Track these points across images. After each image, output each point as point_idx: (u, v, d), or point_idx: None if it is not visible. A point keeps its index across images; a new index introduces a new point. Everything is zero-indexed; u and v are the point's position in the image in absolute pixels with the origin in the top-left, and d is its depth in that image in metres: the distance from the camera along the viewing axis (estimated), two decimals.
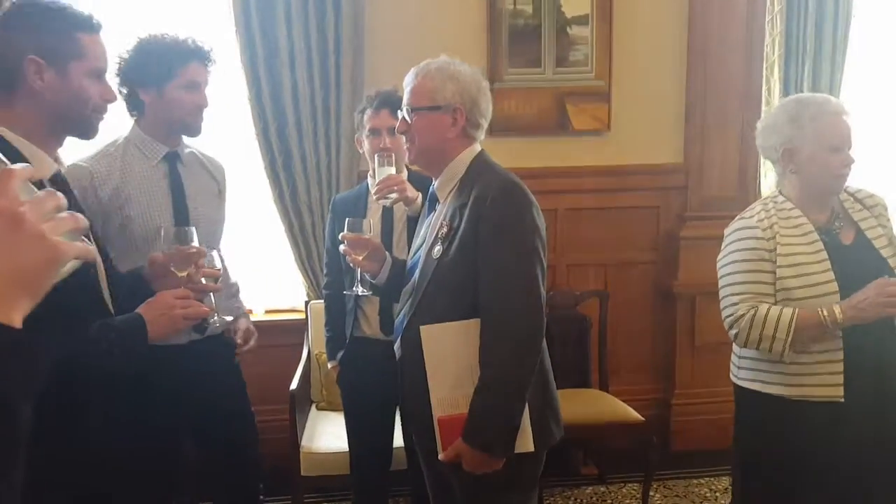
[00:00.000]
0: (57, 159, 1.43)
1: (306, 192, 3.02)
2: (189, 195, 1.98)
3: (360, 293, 1.94)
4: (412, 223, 2.00)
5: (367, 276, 1.86)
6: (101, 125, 1.47)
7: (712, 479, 3.04)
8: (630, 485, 3.01)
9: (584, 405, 2.81)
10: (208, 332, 1.93)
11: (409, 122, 1.63)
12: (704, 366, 3.26)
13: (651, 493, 2.82)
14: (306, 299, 3.10)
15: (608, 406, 2.84)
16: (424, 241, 1.69)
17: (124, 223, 1.88)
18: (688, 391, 3.32)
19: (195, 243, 1.57)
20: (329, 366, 2.46)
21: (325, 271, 2.45)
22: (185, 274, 1.54)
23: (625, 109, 3.23)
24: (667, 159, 3.31)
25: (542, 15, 3.12)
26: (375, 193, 2.05)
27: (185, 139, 2.02)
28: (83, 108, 1.40)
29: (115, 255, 1.74)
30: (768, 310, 1.70)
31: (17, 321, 0.62)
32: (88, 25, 1.40)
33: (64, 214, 0.66)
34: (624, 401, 2.86)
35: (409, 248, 1.92)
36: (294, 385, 2.57)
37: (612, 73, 3.20)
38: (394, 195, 2.03)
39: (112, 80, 1.89)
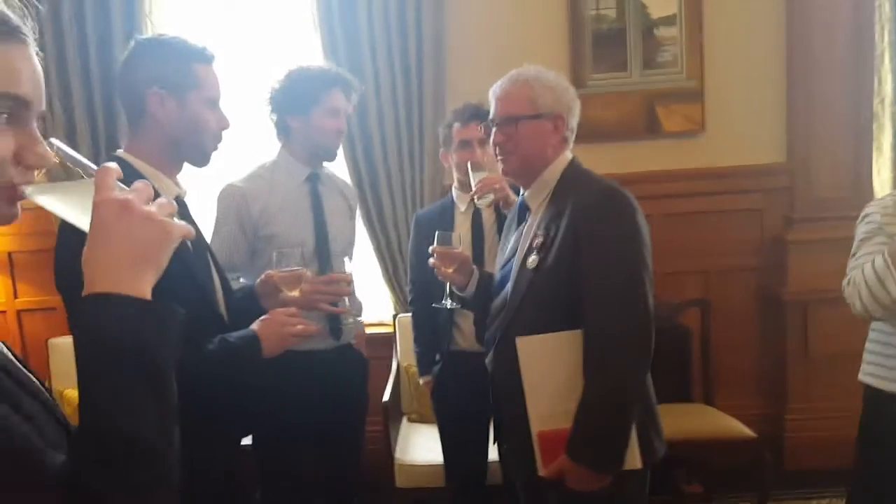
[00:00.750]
0: (178, 184, 1.52)
1: (392, 209, 3.06)
2: (327, 213, 2.09)
3: (449, 306, 1.93)
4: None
5: (455, 290, 1.84)
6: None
7: (833, 499, 2.79)
8: None
9: (689, 420, 2.65)
10: (343, 336, 2.08)
11: (507, 132, 1.59)
12: (820, 379, 3.01)
13: None
14: (394, 313, 3.13)
15: (715, 421, 2.67)
16: (517, 252, 1.64)
17: (270, 238, 2.01)
18: (803, 406, 3.08)
19: (300, 264, 1.63)
20: (421, 381, 2.46)
21: (409, 287, 2.46)
22: (294, 293, 1.61)
23: (720, 108, 3.08)
24: (769, 159, 3.11)
25: (627, 18, 3.04)
26: (475, 193, 2.07)
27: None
28: (201, 135, 1.48)
29: (261, 267, 1.89)
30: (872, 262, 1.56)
31: (147, 293, 0.69)
32: (203, 57, 1.49)
33: (164, 200, 0.73)
34: (731, 416, 2.68)
35: None
36: (386, 397, 2.58)
37: (704, 72, 3.06)
38: (491, 196, 2.04)
39: (264, 107, 2.08)
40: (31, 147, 0.69)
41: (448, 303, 1.90)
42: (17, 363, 0.74)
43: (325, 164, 2.17)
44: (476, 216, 2.26)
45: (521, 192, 1.69)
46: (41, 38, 2.83)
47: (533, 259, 1.55)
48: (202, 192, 2.42)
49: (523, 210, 1.68)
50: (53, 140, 0.71)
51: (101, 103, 3.04)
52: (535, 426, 1.52)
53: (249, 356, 1.45)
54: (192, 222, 1.52)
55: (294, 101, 2.02)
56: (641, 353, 1.48)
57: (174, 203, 0.75)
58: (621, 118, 3.08)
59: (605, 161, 2.91)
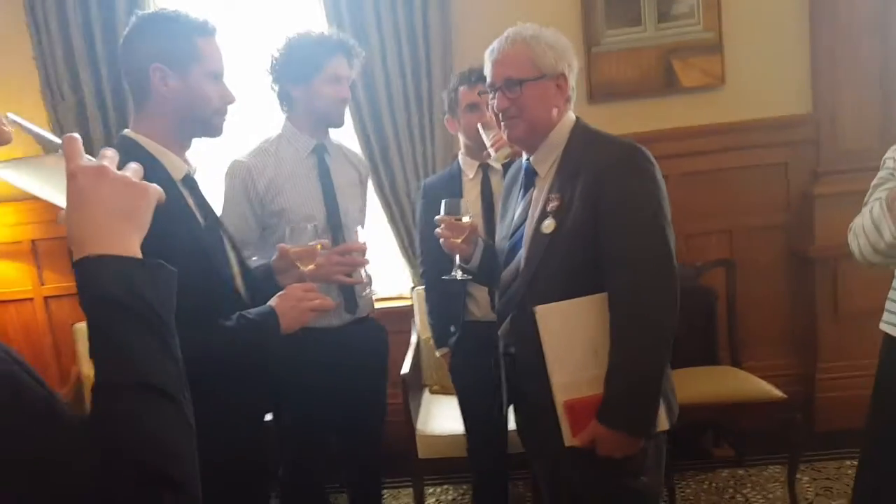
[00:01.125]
0: (186, 161, 1.50)
1: (404, 179, 3.02)
2: (336, 184, 2.06)
3: (459, 278, 1.85)
4: None
5: (461, 261, 1.77)
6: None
7: None
8: (772, 467, 2.76)
9: (716, 383, 2.59)
10: (360, 309, 2.06)
11: (510, 97, 1.51)
12: (851, 336, 2.92)
13: (797, 476, 2.56)
14: (411, 285, 3.10)
15: (744, 383, 2.60)
16: (527, 219, 1.58)
17: (280, 213, 1.99)
18: (833, 364, 3.00)
19: (313, 239, 1.61)
20: (438, 353, 2.43)
21: (420, 259, 2.41)
22: (309, 267, 1.59)
23: (740, 61, 2.96)
24: (793, 111, 2.99)
25: None
26: (492, 146, 1.96)
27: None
28: (205, 109, 1.45)
29: (273, 242, 1.88)
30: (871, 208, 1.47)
31: (137, 252, 0.71)
32: (205, 30, 1.45)
33: (133, 165, 0.75)
34: (759, 377, 2.62)
35: None
36: (405, 370, 2.57)
37: (722, 23, 2.94)
38: (508, 149, 1.95)
39: (266, 78, 2.03)
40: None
41: (458, 274, 1.80)
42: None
43: (333, 134, 2.13)
44: (485, 183, 2.20)
45: (524, 157, 1.63)
46: (46, 24, 2.82)
47: (549, 223, 1.49)
48: (211, 169, 2.40)
49: (530, 175, 1.61)
50: (11, 115, 0.69)
51: (109, 86, 3.03)
52: (560, 396, 1.48)
53: (268, 332, 1.43)
54: (203, 200, 1.50)
55: (295, 69, 1.97)
56: (667, 317, 1.44)
57: (141, 168, 0.75)
58: (637, 75, 2.98)
59: (622, 120, 2.84)
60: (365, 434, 2.19)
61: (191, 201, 1.45)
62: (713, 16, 2.94)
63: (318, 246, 1.61)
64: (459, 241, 1.65)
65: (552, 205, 1.50)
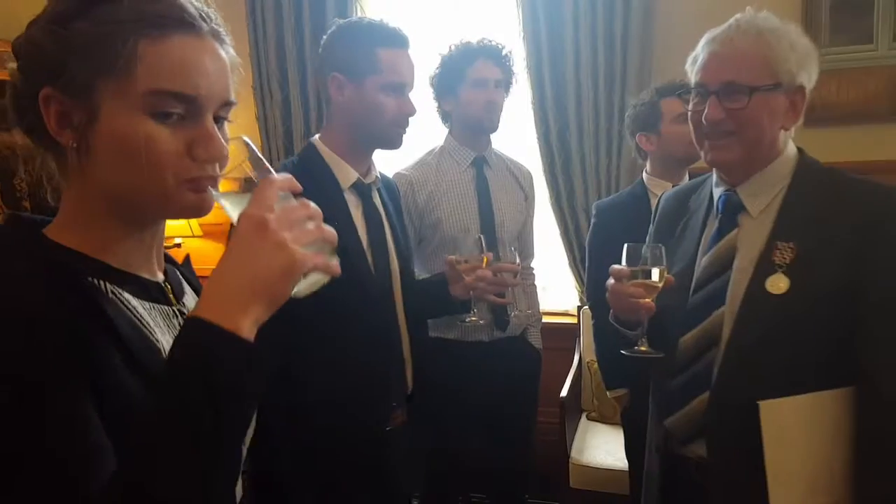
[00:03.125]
0: (369, 169, 1.52)
1: (584, 194, 2.91)
2: (494, 198, 2.03)
3: (645, 352, 1.28)
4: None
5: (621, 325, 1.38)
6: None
7: None
8: None
9: None
10: (509, 330, 2.01)
11: (731, 107, 1.16)
12: None
13: None
14: (579, 304, 2.99)
15: None
16: (734, 268, 1.21)
17: (436, 224, 2.01)
18: None
19: (478, 251, 1.61)
20: (609, 395, 2.17)
21: (586, 287, 2.24)
22: (472, 278, 1.59)
23: None
24: None
25: None
26: None
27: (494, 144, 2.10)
28: (379, 121, 1.43)
29: (430, 253, 1.93)
30: None
31: (244, 329, 0.61)
32: (390, 41, 1.43)
33: (311, 226, 0.65)
34: None
35: None
36: (564, 392, 2.47)
37: None
38: None
39: (431, 95, 2.07)
40: (203, 142, 0.69)
41: (643, 345, 1.29)
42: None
43: (508, 143, 2.12)
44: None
45: (715, 181, 1.29)
46: (263, 26, 3.06)
47: (779, 281, 1.14)
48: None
49: (733, 210, 1.25)
50: (245, 137, 0.69)
51: (312, 87, 3.23)
52: None
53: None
54: (374, 206, 1.52)
55: (442, 83, 2.00)
56: None
57: (333, 233, 0.67)
58: (862, 99, 2.63)
59: (836, 148, 2.52)
60: (510, 454, 2.10)
61: (356, 209, 1.47)
62: None
63: (485, 259, 1.60)
64: (649, 300, 1.23)
65: (783, 256, 1.16)
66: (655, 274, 1.20)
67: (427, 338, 1.66)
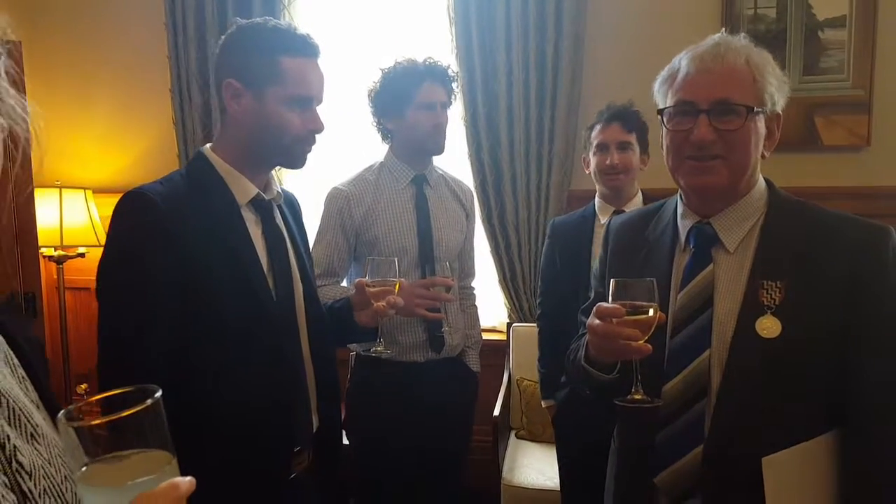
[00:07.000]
0: (269, 184, 1.36)
1: (514, 211, 2.93)
2: (434, 216, 1.99)
3: (652, 404, 1.11)
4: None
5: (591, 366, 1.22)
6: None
7: None
8: None
9: None
10: (445, 351, 1.97)
11: (722, 128, 1.07)
12: None
13: None
14: (508, 321, 2.99)
15: None
16: (714, 308, 1.11)
17: (373, 242, 1.94)
18: None
19: (393, 275, 1.50)
20: (543, 404, 2.26)
21: (539, 300, 2.27)
22: (382, 304, 1.46)
23: (889, 122, 2.73)
24: None
25: (788, 18, 2.76)
26: None
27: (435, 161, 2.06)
28: (280, 136, 1.27)
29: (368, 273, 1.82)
30: None
31: None
32: (295, 49, 1.27)
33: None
34: None
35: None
36: (496, 412, 2.45)
37: (874, 81, 2.72)
38: None
39: (368, 110, 1.99)
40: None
41: (638, 392, 1.12)
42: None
43: (440, 166, 2.07)
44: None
45: (681, 213, 1.19)
46: (184, 27, 2.89)
47: (770, 324, 1.05)
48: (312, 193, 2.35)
49: (707, 244, 1.15)
50: None
51: None
52: None
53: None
54: (276, 225, 1.36)
55: (388, 103, 1.94)
56: None
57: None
58: None
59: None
60: (442, 474, 2.07)
61: (255, 227, 1.30)
62: (864, 73, 2.73)
63: (397, 285, 1.49)
64: (642, 341, 1.05)
65: (770, 297, 1.07)
66: (651, 312, 1.06)
67: (334, 371, 1.46)
